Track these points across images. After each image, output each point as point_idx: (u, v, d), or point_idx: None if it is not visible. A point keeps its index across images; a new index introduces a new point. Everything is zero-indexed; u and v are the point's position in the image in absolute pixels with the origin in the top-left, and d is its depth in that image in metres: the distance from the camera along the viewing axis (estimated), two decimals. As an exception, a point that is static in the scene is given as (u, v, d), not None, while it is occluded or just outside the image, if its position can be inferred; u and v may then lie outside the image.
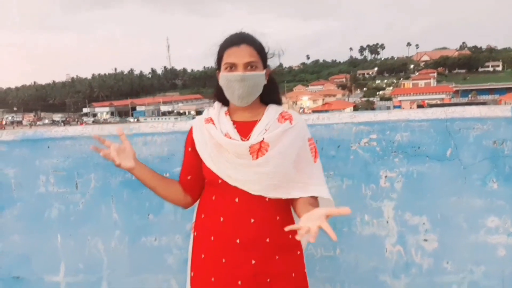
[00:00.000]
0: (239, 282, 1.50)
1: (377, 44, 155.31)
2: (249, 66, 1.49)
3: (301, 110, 59.56)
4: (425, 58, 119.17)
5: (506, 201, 2.08)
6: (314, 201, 1.49)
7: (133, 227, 2.36)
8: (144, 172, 1.62)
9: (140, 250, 2.36)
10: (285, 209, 1.55)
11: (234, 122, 1.55)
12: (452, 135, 2.08)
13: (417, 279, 2.19)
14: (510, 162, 2.06)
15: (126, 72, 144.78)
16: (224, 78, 1.52)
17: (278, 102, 1.61)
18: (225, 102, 1.61)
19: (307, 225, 1.20)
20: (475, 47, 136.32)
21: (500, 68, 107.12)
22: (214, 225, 1.54)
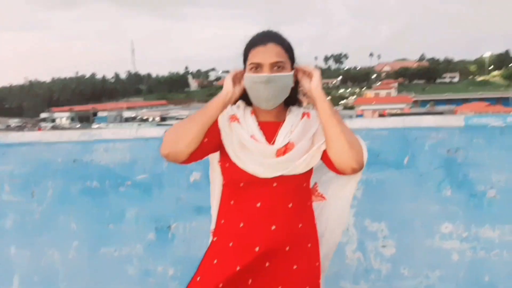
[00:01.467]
0: (250, 281, 1.44)
1: (341, 53, 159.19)
2: (276, 66, 1.40)
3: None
4: (387, 68, 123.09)
5: (459, 207, 2.18)
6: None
7: (93, 237, 2.30)
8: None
9: (99, 261, 2.30)
10: (308, 215, 1.51)
11: (259, 123, 1.48)
12: (409, 144, 2.16)
13: (376, 284, 2.25)
14: (463, 170, 2.16)
15: (88, 75, 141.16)
16: (249, 79, 1.42)
17: (299, 104, 1.55)
18: (248, 102, 1.52)
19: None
20: (433, 58, 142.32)
21: (457, 80, 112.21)
22: (233, 231, 1.45)
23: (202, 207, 2.27)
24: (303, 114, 1.51)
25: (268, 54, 1.40)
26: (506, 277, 2.19)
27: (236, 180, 1.45)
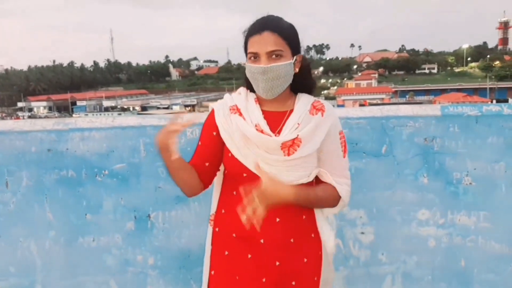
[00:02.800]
0: (264, 280, 1.43)
1: (323, 44, 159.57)
2: (273, 55, 1.35)
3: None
4: (367, 59, 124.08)
5: (436, 195, 2.22)
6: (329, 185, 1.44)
7: (69, 227, 2.25)
8: (179, 160, 1.40)
9: (77, 251, 2.27)
10: (310, 208, 1.48)
11: (263, 112, 1.43)
12: (387, 132, 2.18)
13: (355, 270, 2.28)
14: (440, 158, 2.20)
15: (65, 64, 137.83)
16: (248, 69, 1.40)
17: (310, 90, 1.49)
18: (252, 89, 1.48)
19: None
20: (413, 50, 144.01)
21: (435, 71, 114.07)
22: (236, 222, 1.39)
23: (181, 196, 2.24)
24: (314, 107, 1.44)
25: (264, 43, 1.35)
26: (481, 262, 2.25)
27: (239, 171, 1.41)
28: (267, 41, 1.35)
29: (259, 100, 1.45)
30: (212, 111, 1.49)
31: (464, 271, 2.27)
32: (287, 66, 1.37)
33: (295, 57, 1.40)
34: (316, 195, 1.42)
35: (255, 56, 1.37)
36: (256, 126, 1.38)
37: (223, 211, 1.50)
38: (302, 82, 1.46)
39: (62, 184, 2.21)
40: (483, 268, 2.26)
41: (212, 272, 1.52)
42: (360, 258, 2.28)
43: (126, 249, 2.27)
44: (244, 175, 1.40)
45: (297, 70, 1.41)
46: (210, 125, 1.47)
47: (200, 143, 1.50)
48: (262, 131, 1.37)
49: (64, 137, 2.20)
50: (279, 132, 1.40)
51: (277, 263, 1.42)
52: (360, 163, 2.18)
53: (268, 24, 1.37)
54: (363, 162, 2.19)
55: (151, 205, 2.25)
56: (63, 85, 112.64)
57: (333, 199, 1.46)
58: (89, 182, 2.22)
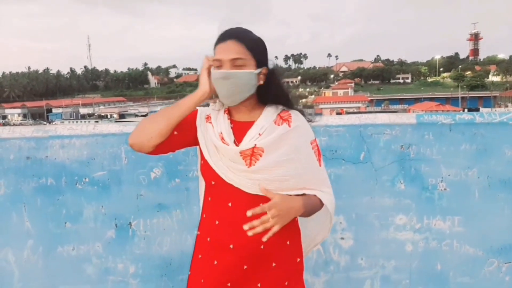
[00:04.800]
0: (228, 284, 1.44)
1: (301, 53, 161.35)
2: (235, 63, 1.37)
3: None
4: (344, 69, 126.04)
5: (412, 200, 2.29)
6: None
7: (48, 236, 2.22)
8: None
9: (56, 260, 2.23)
10: None
11: (232, 122, 1.46)
12: (365, 140, 2.24)
13: (335, 275, 2.32)
14: (415, 165, 2.27)
15: (41, 71, 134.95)
16: (212, 75, 1.41)
17: (284, 102, 1.48)
18: None
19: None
20: (387, 60, 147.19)
21: (409, 80, 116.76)
22: (210, 227, 1.46)
23: (163, 204, 2.25)
24: (280, 118, 1.44)
25: (227, 51, 1.38)
26: (457, 265, 2.32)
27: (209, 178, 1.45)
28: (230, 49, 1.38)
29: (231, 111, 1.47)
30: (196, 110, 1.51)
31: (440, 274, 2.33)
32: (248, 75, 1.39)
33: (259, 69, 1.41)
34: (312, 200, 1.44)
35: (219, 64, 1.39)
36: (219, 135, 1.42)
37: (204, 216, 1.53)
38: (272, 94, 1.46)
39: (41, 192, 2.18)
40: (458, 271, 2.33)
41: (189, 274, 1.56)
42: (340, 263, 2.32)
43: (106, 257, 2.25)
44: (213, 183, 1.44)
45: (261, 82, 1.42)
46: (192, 117, 1.49)
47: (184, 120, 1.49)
48: (223, 139, 1.41)
49: (43, 145, 2.17)
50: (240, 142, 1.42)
51: (245, 267, 1.43)
52: (339, 170, 2.23)
53: (233, 34, 1.41)
54: (342, 169, 2.24)
55: (132, 213, 2.24)
56: (38, 92, 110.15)
57: (319, 205, 1.47)
58: (69, 190, 2.20)
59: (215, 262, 1.45)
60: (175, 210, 2.26)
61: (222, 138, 1.42)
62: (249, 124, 1.44)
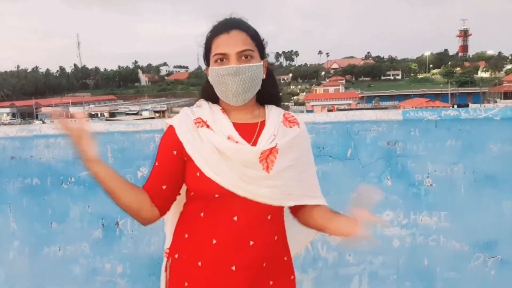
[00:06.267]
0: None
1: (292, 51, 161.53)
2: (243, 56, 1.24)
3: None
4: (335, 66, 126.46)
5: (399, 197, 2.30)
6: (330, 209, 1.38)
7: (34, 237, 2.20)
8: (107, 170, 1.26)
9: (42, 261, 2.21)
10: (282, 227, 1.38)
11: (234, 124, 1.28)
12: (352, 137, 2.25)
13: (323, 272, 2.33)
14: (402, 161, 2.29)
15: (30, 69, 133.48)
16: (214, 72, 1.25)
17: (277, 101, 1.39)
18: (212, 101, 1.35)
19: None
20: (378, 57, 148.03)
21: (399, 77, 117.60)
22: (202, 248, 1.27)
23: (150, 202, 2.24)
24: (286, 119, 1.35)
25: (233, 42, 1.23)
26: (443, 261, 2.34)
27: (210, 192, 1.25)
28: (236, 40, 1.23)
29: (227, 111, 1.31)
30: (170, 128, 1.30)
31: (427, 269, 2.35)
32: (258, 68, 1.26)
33: (262, 61, 1.30)
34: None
35: (222, 58, 1.24)
36: (229, 137, 1.24)
37: (186, 235, 1.32)
38: (269, 91, 1.35)
39: (26, 193, 2.16)
40: (445, 266, 2.35)
41: None
42: (328, 260, 2.33)
43: (93, 257, 2.23)
44: (216, 195, 1.24)
45: (264, 76, 1.31)
46: (168, 144, 1.29)
47: (156, 163, 1.31)
48: (237, 142, 1.24)
49: (28, 144, 2.15)
50: (254, 144, 1.27)
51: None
52: (327, 167, 2.24)
53: (236, 23, 1.27)
54: (330, 166, 2.25)
55: (119, 213, 2.22)
56: (28, 91, 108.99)
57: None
58: (54, 190, 2.18)
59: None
60: (162, 209, 2.24)
61: (235, 142, 1.24)
62: (253, 126, 1.30)
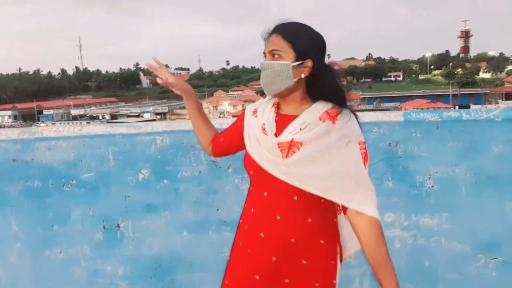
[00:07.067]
0: (257, 277, 1.44)
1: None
2: (273, 54, 1.41)
3: (221, 115, 59.84)
4: (336, 67, 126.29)
5: (400, 198, 2.30)
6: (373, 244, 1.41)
7: (36, 239, 2.20)
8: (192, 105, 1.67)
9: (44, 264, 2.22)
10: (320, 212, 1.44)
11: (278, 115, 1.47)
12: (353, 138, 2.24)
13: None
14: (403, 163, 2.28)
15: (32, 72, 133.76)
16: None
17: (336, 99, 1.45)
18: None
19: None
20: (379, 58, 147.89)
21: (401, 78, 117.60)
22: (247, 215, 1.51)
23: (151, 204, 2.24)
24: (328, 114, 1.41)
25: (268, 44, 1.44)
26: (445, 262, 2.33)
27: (249, 168, 1.49)
28: (270, 42, 1.43)
29: (280, 104, 1.49)
30: (244, 110, 1.62)
31: (429, 271, 2.35)
32: (282, 66, 1.39)
33: (299, 62, 1.40)
34: (386, 254, 1.46)
35: (264, 56, 1.46)
36: (262, 126, 1.45)
37: (245, 205, 1.55)
38: (320, 89, 1.44)
39: (28, 195, 2.16)
40: (447, 267, 2.34)
41: (228, 259, 1.59)
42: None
43: (95, 260, 2.24)
44: (251, 172, 1.48)
45: (302, 76, 1.41)
46: (240, 119, 1.61)
47: (233, 124, 1.67)
48: (264, 130, 1.44)
49: (29, 147, 2.16)
50: (279, 134, 1.43)
51: (274, 259, 1.43)
52: (328, 169, 2.23)
53: (276, 28, 1.45)
54: (331, 168, 2.24)
55: (120, 215, 2.23)
56: (30, 93, 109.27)
57: (379, 230, 1.43)
58: (56, 193, 2.18)
59: (249, 251, 1.48)
60: (163, 211, 2.25)
61: (264, 129, 1.44)
62: (293, 118, 1.43)
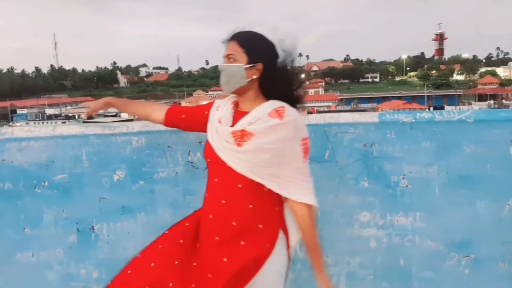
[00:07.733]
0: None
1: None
2: (228, 58, 1.64)
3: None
4: (315, 68, 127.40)
5: (376, 198, 2.33)
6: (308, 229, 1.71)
7: (7, 243, 2.14)
8: (119, 103, 1.94)
9: (15, 267, 2.16)
10: (262, 200, 1.62)
11: (236, 111, 1.69)
12: (329, 139, 2.27)
13: (302, 273, 2.34)
14: (378, 163, 2.32)
15: (5, 70, 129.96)
16: None
17: (289, 100, 1.65)
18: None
19: None
20: (357, 59, 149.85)
21: (378, 79, 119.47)
22: (204, 200, 1.69)
23: (127, 206, 2.21)
24: (276, 111, 1.59)
25: (227, 49, 1.65)
26: (419, 260, 2.38)
27: (207, 156, 1.67)
28: (228, 48, 1.65)
29: (239, 102, 1.71)
30: (213, 102, 1.81)
31: (404, 269, 2.39)
32: (236, 68, 1.62)
33: (250, 65, 1.62)
34: (317, 238, 1.77)
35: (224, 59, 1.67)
36: (220, 119, 1.66)
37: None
38: (269, 89, 1.65)
39: (-2, 198, 2.10)
40: (421, 266, 2.39)
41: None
42: (306, 261, 2.33)
43: (68, 263, 2.19)
44: (208, 160, 1.66)
45: (254, 77, 1.62)
46: (207, 107, 1.79)
47: (197, 107, 1.84)
48: (220, 123, 1.64)
49: (-1, 148, 2.09)
50: (233, 125, 1.63)
51: (217, 238, 1.60)
52: (304, 169, 2.25)
53: (233, 35, 1.66)
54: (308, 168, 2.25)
55: (95, 217, 2.19)
56: (3, 92, 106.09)
57: (314, 217, 1.73)
58: (27, 195, 2.12)
59: (200, 230, 1.67)
60: (139, 213, 2.22)
61: (220, 122, 1.64)
62: (247, 113, 1.63)
